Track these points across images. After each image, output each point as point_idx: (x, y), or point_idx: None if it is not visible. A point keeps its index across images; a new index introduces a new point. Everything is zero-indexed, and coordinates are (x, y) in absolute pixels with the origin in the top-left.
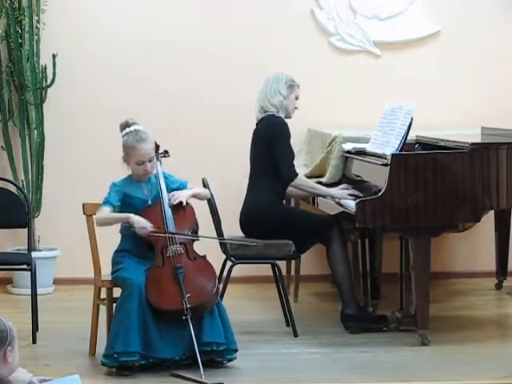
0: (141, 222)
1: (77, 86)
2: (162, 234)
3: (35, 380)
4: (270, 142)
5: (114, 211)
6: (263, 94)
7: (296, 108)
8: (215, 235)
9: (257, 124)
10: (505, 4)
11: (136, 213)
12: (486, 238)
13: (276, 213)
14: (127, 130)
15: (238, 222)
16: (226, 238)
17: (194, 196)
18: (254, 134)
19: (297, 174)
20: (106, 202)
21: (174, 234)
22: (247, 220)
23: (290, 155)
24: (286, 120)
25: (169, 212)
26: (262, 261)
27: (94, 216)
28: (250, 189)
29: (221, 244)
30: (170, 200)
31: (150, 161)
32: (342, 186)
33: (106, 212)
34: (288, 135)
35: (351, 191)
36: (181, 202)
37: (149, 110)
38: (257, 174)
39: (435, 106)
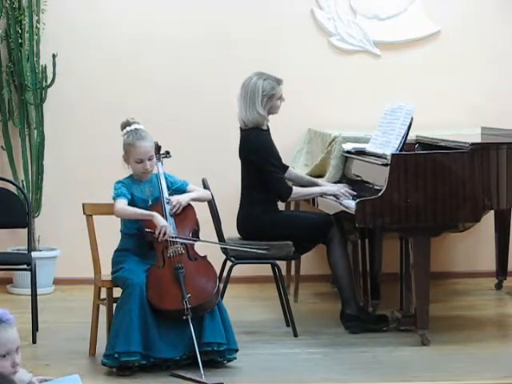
0: (163, 228)
1: (77, 86)
2: (180, 240)
3: (35, 380)
4: (255, 163)
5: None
6: (243, 111)
7: (282, 101)
8: (215, 236)
9: (241, 131)
10: (505, 4)
11: None
12: (486, 238)
13: (272, 222)
14: (127, 128)
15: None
16: (232, 243)
17: (194, 200)
18: (239, 146)
19: (291, 189)
20: (120, 194)
21: (191, 240)
22: (246, 234)
23: (279, 172)
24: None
25: (170, 213)
26: (261, 261)
27: (115, 207)
28: (242, 202)
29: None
30: (171, 209)
31: (149, 159)
32: (340, 185)
33: (124, 204)
34: (271, 150)
35: (347, 188)
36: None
37: (149, 110)
38: (246, 187)
39: (435, 106)
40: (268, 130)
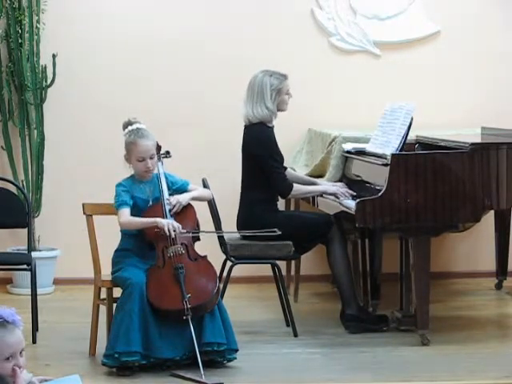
0: (168, 225)
1: (77, 86)
2: (192, 234)
3: (35, 380)
4: (258, 158)
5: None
6: (249, 108)
7: (290, 97)
8: (215, 236)
9: (245, 128)
10: (504, 4)
11: (139, 212)
12: (486, 237)
13: (272, 222)
14: (129, 128)
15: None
16: (240, 231)
17: (194, 199)
18: (242, 142)
19: (291, 186)
20: (122, 203)
21: (206, 232)
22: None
23: (281, 168)
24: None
25: (170, 212)
26: (262, 261)
27: (119, 220)
28: (242, 201)
29: (221, 244)
30: (171, 209)
31: (151, 158)
32: (339, 184)
33: (127, 214)
34: (275, 147)
35: (346, 188)
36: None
37: (149, 110)
38: (247, 187)
39: (435, 106)
40: (273, 127)
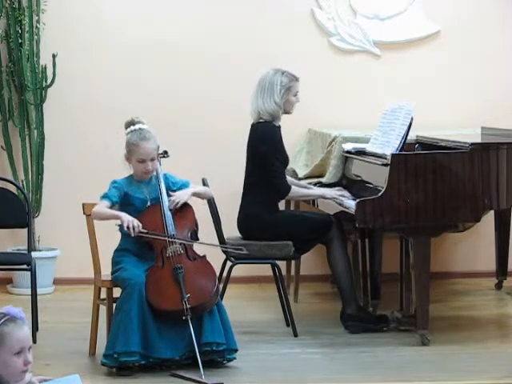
0: (129, 222)
1: (77, 86)
2: (154, 237)
3: (35, 380)
4: (261, 154)
5: (112, 207)
6: (260, 101)
7: (297, 101)
8: (215, 236)
9: (251, 126)
10: (504, 4)
11: (137, 212)
12: (486, 238)
13: (273, 222)
14: (132, 127)
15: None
16: (226, 244)
17: (195, 195)
18: (248, 140)
19: (290, 188)
20: (105, 196)
21: (171, 237)
22: (246, 234)
23: (282, 168)
24: (286, 116)
25: (168, 213)
26: (262, 261)
27: (93, 208)
28: (243, 201)
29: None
30: (170, 205)
31: (151, 160)
32: (337, 188)
33: (102, 206)
34: (279, 145)
35: (343, 192)
36: None
37: (149, 110)
38: (249, 186)
39: (435, 106)
40: (279, 127)
